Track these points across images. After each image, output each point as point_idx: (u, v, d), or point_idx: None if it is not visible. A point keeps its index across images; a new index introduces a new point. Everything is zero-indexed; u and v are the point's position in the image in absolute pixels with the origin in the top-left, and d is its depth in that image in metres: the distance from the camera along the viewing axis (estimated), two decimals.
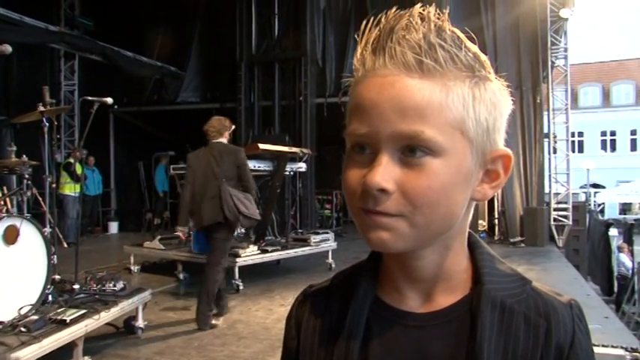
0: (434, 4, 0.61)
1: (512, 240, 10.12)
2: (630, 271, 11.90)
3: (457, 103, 0.57)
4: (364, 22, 0.60)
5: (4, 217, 3.59)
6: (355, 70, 0.61)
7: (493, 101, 0.60)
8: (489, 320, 0.60)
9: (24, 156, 4.31)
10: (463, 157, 0.58)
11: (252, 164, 7.02)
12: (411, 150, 0.56)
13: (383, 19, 0.59)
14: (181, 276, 6.86)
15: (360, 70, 0.60)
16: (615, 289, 11.98)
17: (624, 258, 12.27)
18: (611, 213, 27.75)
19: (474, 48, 0.59)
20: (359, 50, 0.61)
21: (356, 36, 0.61)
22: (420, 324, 0.61)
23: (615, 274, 12.12)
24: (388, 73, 0.57)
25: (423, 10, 0.59)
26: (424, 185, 0.56)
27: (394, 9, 0.59)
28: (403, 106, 0.55)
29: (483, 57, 0.60)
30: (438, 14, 0.59)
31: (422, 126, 0.55)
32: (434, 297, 0.64)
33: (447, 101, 0.56)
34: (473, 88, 0.58)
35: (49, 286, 3.83)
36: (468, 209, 0.62)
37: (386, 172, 0.56)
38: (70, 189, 10.16)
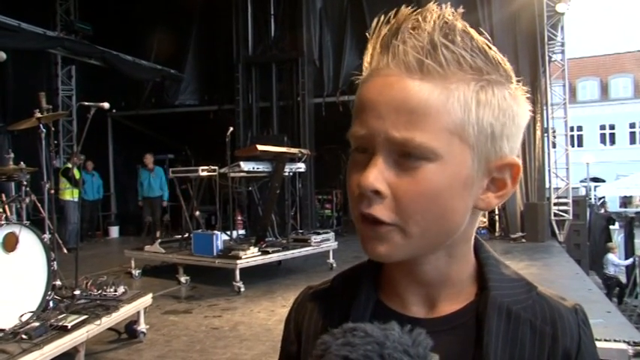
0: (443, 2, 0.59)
1: (513, 236, 10.13)
2: (623, 268, 12.01)
3: (457, 107, 0.54)
4: (375, 20, 0.58)
5: (2, 224, 3.58)
6: (364, 68, 0.60)
7: (502, 106, 0.56)
8: (495, 327, 0.59)
9: (22, 163, 4.30)
10: (462, 164, 0.55)
11: (251, 166, 7.05)
12: (406, 154, 0.54)
13: (393, 17, 0.57)
14: (182, 279, 6.85)
15: (367, 69, 0.59)
16: (607, 289, 11.97)
17: (613, 257, 12.20)
18: (612, 206, 27.71)
19: (487, 48, 0.57)
20: (369, 48, 0.59)
21: (367, 34, 0.59)
22: (425, 330, 0.60)
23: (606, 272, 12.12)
24: (390, 73, 0.55)
25: (436, 8, 0.56)
26: (416, 191, 0.54)
27: (405, 6, 0.58)
28: (399, 110, 0.54)
29: (500, 58, 0.58)
30: (453, 12, 0.56)
31: (414, 132, 0.53)
32: (437, 303, 0.63)
33: (445, 105, 0.54)
34: (478, 92, 0.55)
35: (49, 293, 3.82)
36: (473, 217, 0.60)
37: (380, 174, 0.54)
38: (70, 194, 10.17)
